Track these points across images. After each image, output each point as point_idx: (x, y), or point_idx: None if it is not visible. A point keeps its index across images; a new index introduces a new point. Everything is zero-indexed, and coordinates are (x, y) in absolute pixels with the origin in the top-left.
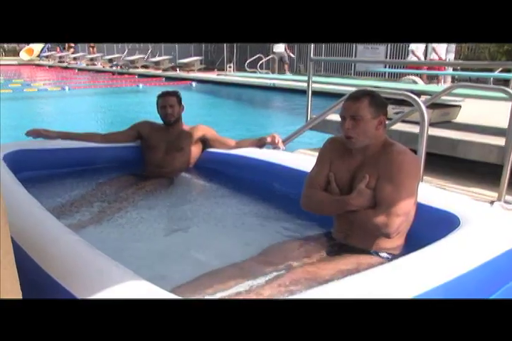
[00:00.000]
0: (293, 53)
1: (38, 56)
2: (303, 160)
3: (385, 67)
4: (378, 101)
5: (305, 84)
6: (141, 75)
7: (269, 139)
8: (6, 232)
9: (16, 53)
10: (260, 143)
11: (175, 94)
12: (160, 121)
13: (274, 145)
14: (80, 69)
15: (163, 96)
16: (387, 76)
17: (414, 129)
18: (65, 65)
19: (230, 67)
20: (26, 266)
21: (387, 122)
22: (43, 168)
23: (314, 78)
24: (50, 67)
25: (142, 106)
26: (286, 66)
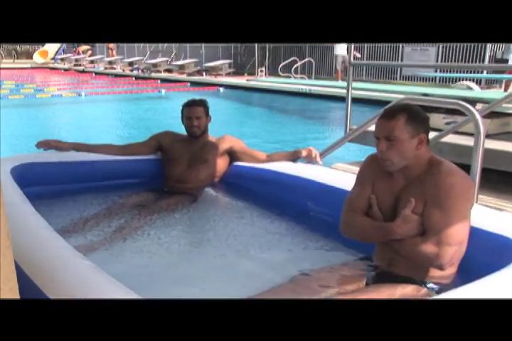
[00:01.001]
0: (359, 53)
1: (53, 58)
2: (341, 176)
3: (436, 71)
4: (417, 118)
5: (344, 91)
6: (164, 80)
7: (304, 153)
8: (4, 229)
9: (29, 56)
10: (294, 157)
11: (202, 104)
12: (184, 132)
13: (309, 160)
14: (97, 74)
15: (190, 105)
16: (437, 81)
17: (469, 142)
18: (81, 68)
19: (261, 71)
20: (31, 295)
21: (437, 134)
22: (53, 183)
23: (355, 84)
24: (66, 70)
25: (164, 115)
26: (339, 72)
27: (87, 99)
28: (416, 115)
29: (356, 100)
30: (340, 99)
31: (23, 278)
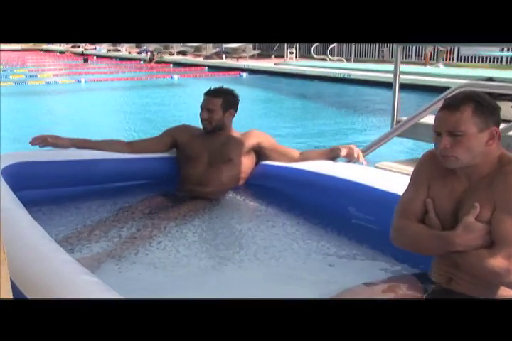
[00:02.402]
0: None
1: None
2: (389, 177)
3: (502, 50)
4: (487, 108)
5: (391, 76)
6: (177, 64)
7: (344, 151)
8: None
9: None
10: (332, 156)
11: (221, 96)
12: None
13: (350, 159)
14: (99, 57)
15: (205, 94)
16: (504, 61)
17: None
18: (80, 50)
19: (291, 53)
20: None
21: (505, 126)
22: (51, 186)
23: (403, 67)
24: (62, 53)
25: (178, 105)
26: (427, 55)
27: (87, 86)
28: (485, 105)
29: (404, 86)
30: (385, 85)
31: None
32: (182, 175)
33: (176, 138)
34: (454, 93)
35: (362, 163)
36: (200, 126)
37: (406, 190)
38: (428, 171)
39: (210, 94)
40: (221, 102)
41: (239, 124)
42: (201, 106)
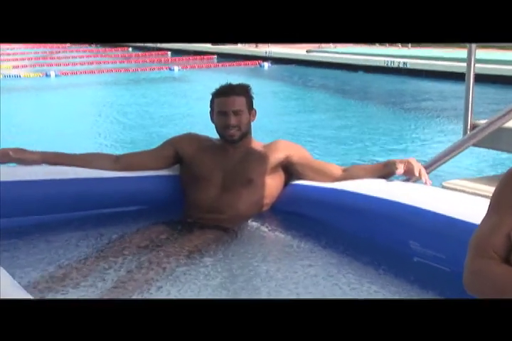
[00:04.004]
0: None
1: None
2: (461, 201)
3: None
4: None
5: (462, 65)
6: (176, 51)
7: (401, 167)
8: None
9: None
10: (385, 173)
11: (244, 92)
12: (214, 135)
13: (410, 177)
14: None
15: (224, 94)
16: None
17: None
18: None
19: None
20: None
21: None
22: (17, 214)
23: (480, 53)
24: None
25: (180, 106)
26: None
27: (58, 81)
28: None
29: (481, 78)
30: (455, 76)
31: None
32: (188, 199)
33: (179, 151)
34: None
35: (425, 182)
36: (211, 134)
37: (485, 219)
38: None
39: (234, 92)
40: (245, 101)
41: (260, 130)
42: (222, 111)
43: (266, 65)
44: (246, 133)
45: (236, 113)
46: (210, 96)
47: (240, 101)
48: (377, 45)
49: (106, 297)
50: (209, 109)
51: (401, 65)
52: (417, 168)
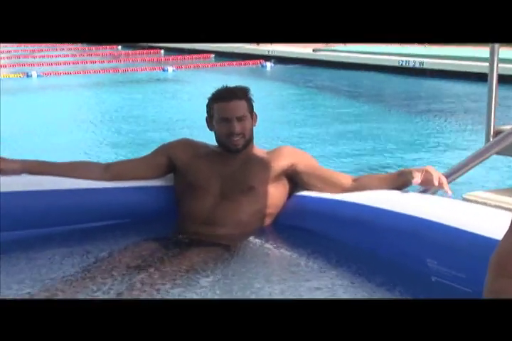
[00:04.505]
0: None
1: None
2: (483, 215)
3: None
4: None
5: (484, 64)
6: (170, 50)
7: (418, 176)
8: None
9: None
10: (401, 183)
11: (245, 95)
12: (211, 141)
13: (428, 188)
14: None
15: (225, 99)
16: None
17: None
18: None
19: None
20: None
21: None
22: None
23: (504, 53)
24: None
25: (174, 109)
26: None
27: (41, 82)
28: None
29: (505, 79)
30: (476, 77)
31: None
32: (182, 210)
33: (173, 159)
34: None
35: (445, 194)
36: (208, 141)
37: (507, 234)
38: None
39: (236, 96)
40: (247, 105)
41: (261, 135)
42: (223, 118)
43: (268, 64)
44: (249, 141)
45: (240, 119)
46: (207, 101)
47: (242, 106)
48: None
49: None
50: (206, 115)
51: (417, 65)
52: (436, 177)
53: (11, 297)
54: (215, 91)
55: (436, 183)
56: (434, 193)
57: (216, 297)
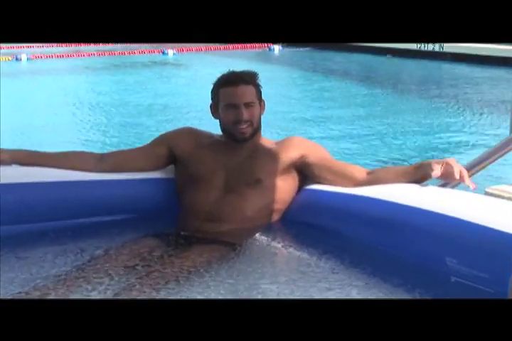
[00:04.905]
0: None
1: None
2: (506, 210)
3: None
4: None
5: (509, 48)
6: None
7: (437, 169)
8: None
9: None
10: (419, 176)
11: (252, 80)
12: (216, 130)
13: (448, 181)
14: None
15: (231, 84)
16: None
17: None
18: None
19: None
20: None
21: None
22: None
23: None
24: None
25: (175, 95)
26: None
27: (30, 66)
28: None
29: None
30: (499, 62)
31: None
32: (184, 205)
33: (174, 149)
34: None
35: (467, 188)
36: (213, 130)
37: None
38: None
39: (243, 81)
40: (255, 90)
41: (269, 126)
42: (230, 104)
43: (276, 48)
44: (257, 130)
45: (247, 105)
46: (212, 86)
47: (250, 92)
48: None
49: None
50: (211, 101)
51: (436, 48)
52: (458, 169)
53: (1, 297)
54: (221, 76)
55: (457, 176)
56: (454, 187)
57: (220, 298)
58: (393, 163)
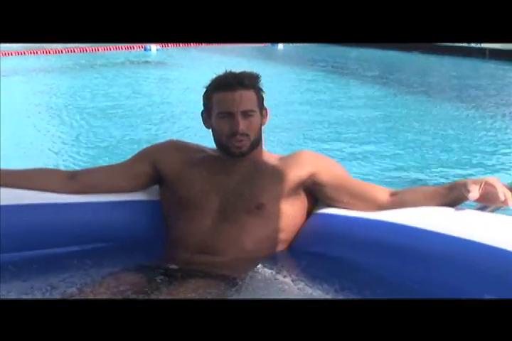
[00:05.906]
0: None
1: None
2: None
3: None
4: None
5: None
6: None
7: (475, 190)
8: None
9: None
10: (453, 198)
11: (253, 84)
12: (209, 143)
13: (489, 204)
14: None
15: (227, 87)
16: None
17: None
18: None
19: None
20: None
21: None
22: None
23: None
24: None
25: (160, 100)
26: None
27: None
28: None
29: None
30: None
31: None
32: (172, 235)
33: (158, 167)
34: None
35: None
36: (204, 143)
37: None
38: None
39: (241, 84)
40: (256, 96)
41: (271, 139)
42: (224, 112)
43: (280, 44)
44: (257, 143)
45: (245, 114)
46: (204, 91)
47: (249, 98)
48: None
49: None
50: (203, 108)
51: (472, 44)
52: (501, 190)
53: None
54: (215, 78)
55: (501, 198)
56: (494, 211)
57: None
58: (426, 182)
